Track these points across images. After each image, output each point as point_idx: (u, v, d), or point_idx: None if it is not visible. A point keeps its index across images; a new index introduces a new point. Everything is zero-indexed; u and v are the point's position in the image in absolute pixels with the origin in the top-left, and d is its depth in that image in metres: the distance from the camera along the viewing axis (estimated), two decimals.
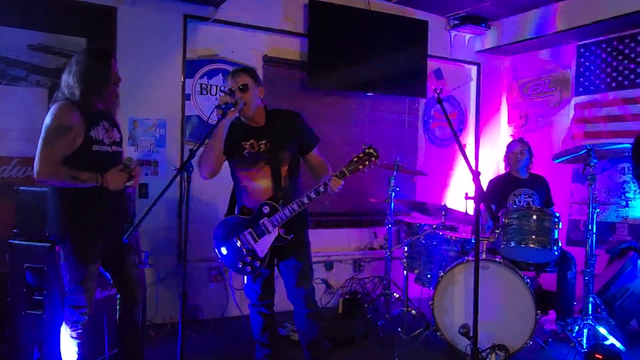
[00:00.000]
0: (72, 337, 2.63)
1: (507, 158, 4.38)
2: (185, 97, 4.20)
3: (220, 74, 4.32)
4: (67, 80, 2.61)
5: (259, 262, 2.72)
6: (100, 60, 2.65)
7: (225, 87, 2.76)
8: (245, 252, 2.73)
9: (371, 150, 2.58)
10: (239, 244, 2.73)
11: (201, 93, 4.27)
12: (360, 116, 4.98)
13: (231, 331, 3.99)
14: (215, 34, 4.31)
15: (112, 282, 2.90)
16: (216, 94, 4.31)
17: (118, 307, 2.91)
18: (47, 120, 2.53)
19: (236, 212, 2.86)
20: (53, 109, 2.55)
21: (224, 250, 2.80)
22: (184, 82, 4.19)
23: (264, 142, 2.72)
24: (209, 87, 4.30)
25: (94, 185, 2.53)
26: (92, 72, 2.60)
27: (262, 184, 2.72)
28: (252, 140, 2.73)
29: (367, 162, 2.58)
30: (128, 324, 2.89)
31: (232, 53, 4.37)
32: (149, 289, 3.87)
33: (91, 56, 2.66)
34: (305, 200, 2.61)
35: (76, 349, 2.64)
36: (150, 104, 4.06)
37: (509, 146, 4.41)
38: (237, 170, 2.79)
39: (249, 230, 2.72)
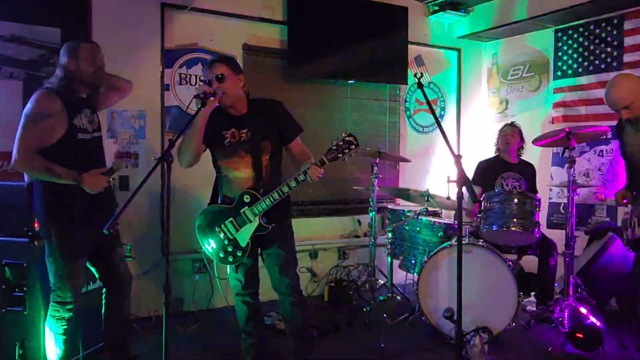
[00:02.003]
0: (57, 333, 2.60)
1: (498, 141, 4.42)
2: (165, 87, 4.14)
3: (200, 63, 4.26)
4: (55, 72, 2.61)
5: (241, 252, 2.71)
6: (71, 49, 2.61)
7: (204, 77, 2.72)
8: (227, 242, 2.71)
9: (351, 138, 2.56)
10: (221, 233, 2.71)
11: (180, 83, 4.21)
12: (342, 104, 4.96)
13: (217, 322, 3.98)
14: (193, 22, 4.24)
15: (98, 277, 2.87)
16: (196, 83, 4.25)
17: (104, 301, 2.89)
18: (27, 107, 2.51)
19: (219, 202, 2.84)
20: (33, 97, 2.53)
21: (206, 240, 2.78)
22: (162, 72, 4.12)
23: (245, 131, 2.69)
24: (188, 76, 4.24)
25: (70, 183, 2.48)
26: (71, 61, 2.57)
27: (243, 173, 2.70)
28: (233, 130, 2.70)
29: (346, 150, 2.55)
30: (116, 319, 2.87)
31: (211, 42, 4.31)
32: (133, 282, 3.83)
33: (65, 47, 2.63)
34: (286, 189, 2.59)
35: (61, 344, 2.61)
36: (128, 95, 3.98)
37: (500, 130, 4.44)
38: (219, 160, 2.77)
39: (230, 219, 2.70)
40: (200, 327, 3.85)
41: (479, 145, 5.59)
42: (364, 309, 3.95)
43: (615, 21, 4.45)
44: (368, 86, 5.07)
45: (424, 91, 2.46)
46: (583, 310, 3.61)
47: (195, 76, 4.26)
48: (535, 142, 3.93)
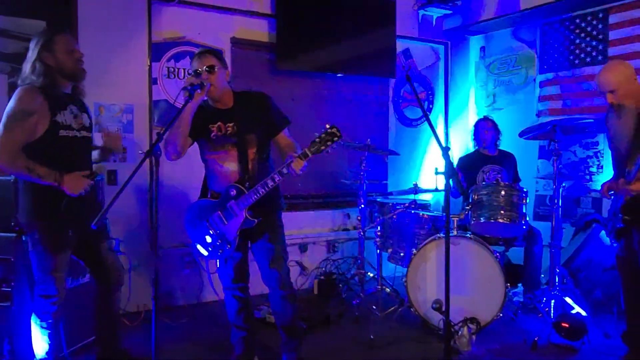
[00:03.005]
0: (42, 327, 2.59)
1: (475, 136, 4.49)
2: (152, 81, 4.11)
3: (188, 57, 4.23)
4: (25, 68, 2.53)
5: (228, 245, 2.72)
6: (46, 41, 2.54)
7: (191, 69, 2.71)
8: (214, 236, 2.72)
9: (334, 130, 2.52)
10: (209, 228, 2.72)
11: (168, 77, 4.19)
12: (330, 97, 4.97)
13: (207, 316, 3.98)
14: (181, 15, 4.21)
15: (89, 270, 2.86)
16: (184, 77, 4.22)
17: (95, 294, 2.88)
18: (9, 105, 2.46)
19: (208, 196, 2.84)
20: (15, 93, 2.48)
21: (195, 234, 2.79)
22: (150, 66, 4.09)
23: (231, 124, 2.68)
24: (176, 70, 4.22)
25: (50, 183, 2.44)
26: (48, 55, 2.52)
27: (229, 166, 2.70)
28: (219, 123, 2.69)
29: (329, 142, 2.52)
30: (107, 311, 2.86)
31: (199, 35, 4.28)
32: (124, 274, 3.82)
33: (38, 40, 2.55)
34: (270, 182, 2.58)
35: (47, 339, 2.60)
36: (115, 88, 3.96)
37: (475, 125, 4.52)
38: (206, 153, 2.77)
39: (218, 213, 2.70)
40: (190, 321, 3.85)
41: (467, 138, 5.62)
42: (354, 302, 3.98)
43: (601, 15, 4.50)
44: (356, 80, 5.07)
45: (412, 84, 2.47)
46: (568, 300, 3.68)
47: (184, 70, 4.23)
48: (522, 135, 3.98)
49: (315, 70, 4.76)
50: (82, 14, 3.79)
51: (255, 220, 2.67)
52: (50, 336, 2.61)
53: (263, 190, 2.59)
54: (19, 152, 2.42)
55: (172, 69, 4.20)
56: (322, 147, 2.53)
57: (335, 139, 2.52)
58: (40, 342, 2.61)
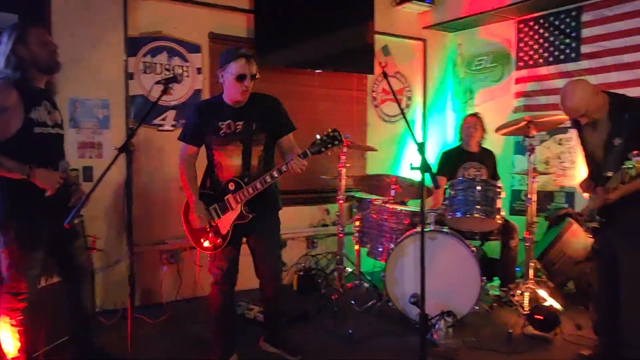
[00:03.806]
0: (12, 325, 2.55)
1: (461, 131, 4.53)
2: (129, 76, 4.06)
3: (165, 52, 4.19)
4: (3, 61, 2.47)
5: (220, 239, 2.75)
6: (20, 34, 2.48)
7: (233, 68, 2.67)
8: (209, 228, 2.75)
9: (336, 134, 2.62)
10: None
11: (145, 72, 4.14)
12: (309, 93, 4.97)
13: (185, 313, 3.96)
14: (157, 10, 4.16)
15: (58, 269, 2.82)
16: (161, 72, 4.18)
17: (65, 294, 2.84)
18: None
19: (207, 187, 2.87)
20: None
21: (189, 226, 2.82)
22: (126, 61, 4.04)
23: (240, 122, 2.75)
24: (153, 65, 4.17)
25: (21, 177, 2.40)
26: (22, 48, 2.46)
27: (234, 161, 2.77)
28: (229, 121, 2.75)
29: (329, 145, 2.62)
30: (77, 310, 2.83)
31: (176, 30, 4.24)
32: (99, 275, 3.78)
33: (11, 33, 2.49)
34: (268, 178, 2.67)
35: (18, 336, 2.56)
36: (91, 83, 3.90)
37: (463, 120, 4.55)
38: (212, 147, 2.80)
39: (214, 206, 2.76)
40: (168, 318, 3.83)
41: (445, 133, 5.70)
42: (333, 297, 4.00)
43: (574, 13, 4.59)
44: (335, 76, 5.08)
45: (389, 80, 2.53)
46: (542, 292, 3.76)
47: (161, 64, 4.19)
48: (498, 130, 4.04)
49: (294, 66, 4.75)
50: (56, 7, 3.73)
51: (250, 216, 2.73)
52: (21, 334, 2.56)
53: (261, 186, 2.67)
54: None
55: (149, 64, 4.15)
56: (323, 149, 2.63)
57: (337, 142, 2.62)
58: (10, 340, 2.56)
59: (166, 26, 4.20)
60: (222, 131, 2.74)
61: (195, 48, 4.34)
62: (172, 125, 4.24)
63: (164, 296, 4.15)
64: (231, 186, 2.73)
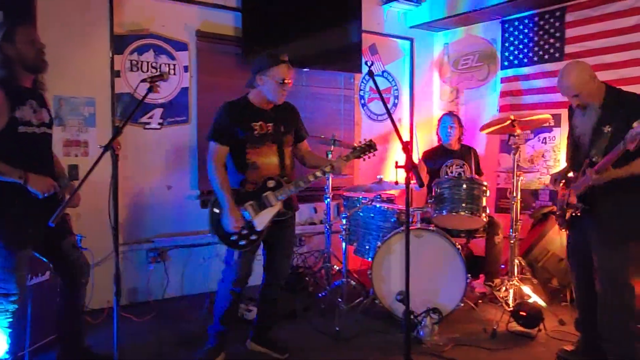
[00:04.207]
0: (2, 326, 2.53)
1: (439, 131, 4.59)
2: (115, 73, 4.03)
3: (152, 50, 4.17)
4: None
5: (255, 236, 2.81)
6: (7, 32, 2.47)
7: (275, 73, 2.81)
8: (245, 229, 2.79)
9: (372, 144, 2.93)
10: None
11: (132, 70, 4.12)
12: (297, 91, 4.96)
13: (172, 312, 3.96)
14: (144, 7, 4.14)
15: (53, 267, 2.81)
16: (148, 70, 4.16)
17: (60, 291, 2.84)
18: None
19: (239, 185, 2.89)
20: None
21: (218, 222, 2.81)
22: (112, 58, 4.01)
23: (270, 124, 2.85)
24: (140, 63, 4.15)
25: (14, 180, 2.39)
26: (9, 46, 2.44)
27: (271, 160, 2.86)
28: (260, 122, 2.84)
29: (367, 152, 2.93)
30: (71, 309, 2.82)
31: (163, 28, 4.22)
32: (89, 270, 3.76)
33: (3, 30, 2.48)
34: (311, 178, 2.82)
35: (7, 338, 2.54)
36: (76, 81, 3.87)
37: (439, 120, 4.63)
38: (247, 147, 2.84)
39: (251, 202, 2.79)
40: (155, 317, 3.82)
41: (432, 132, 5.73)
42: (320, 295, 4.02)
43: (558, 13, 4.64)
44: (323, 74, 5.09)
45: (375, 79, 2.55)
46: (526, 289, 3.81)
47: (147, 62, 4.17)
48: (483, 129, 4.09)
49: None
50: (42, 4, 3.68)
51: (290, 212, 2.85)
52: (11, 335, 2.55)
53: (304, 184, 2.80)
54: None
55: (136, 62, 4.13)
56: (361, 155, 2.94)
57: (373, 150, 2.94)
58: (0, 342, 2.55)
59: (153, 24, 4.18)
60: (256, 132, 2.82)
61: (182, 46, 4.32)
62: (159, 124, 4.23)
63: (150, 295, 4.14)
64: (270, 184, 2.81)
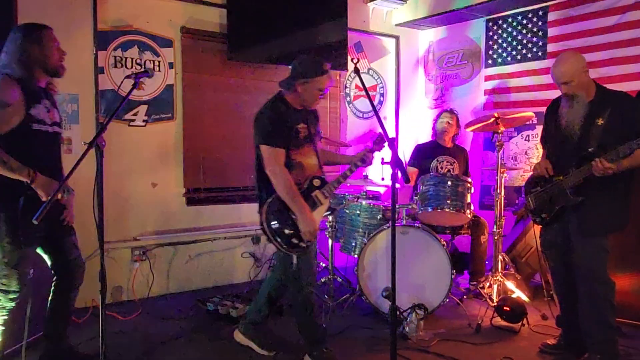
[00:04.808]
0: None
1: (436, 126, 4.61)
2: (99, 70, 3.99)
3: (136, 46, 4.13)
4: (3, 59, 2.52)
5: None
6: (36, 35, 2.56)
7: (318, 82, 2.84)
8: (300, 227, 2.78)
9: (378, 140, 3.07)
10: (294, 219, 2.75)
11: (116, 66, 4.07)
12: None
13: (157, 310, 3.93)
14: (128, 3, 4.10)
15: (50, 264, 2.80)
16: (132, 66, 4.12)
17: (52, 289, 2.82)
18: None
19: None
20: None
21: (278, 226, 2.77)
22: (96, 55, 3.96)
23: (306, 126, 2.92)
24: (124, 59, 4.10)
25: (22, 179, 2.41)
26: (35, 47, 2.53)
27: (313, 160, 2.93)
28: (302, 124, 2.90)
29: (377, 150, 3.07)
30: (62, 307, 2.81)
31: (148, 24, 4.18)
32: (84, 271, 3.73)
33: (27, 32, 2.56)
34: (348, 173, 2.93)
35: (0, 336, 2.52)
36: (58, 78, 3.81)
37: (438, 115, 4.63)
38: (291, 149, 2.84)
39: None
40: (139, 315, 3.79)
41: (417, 130, 5.77)
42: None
43: (540, 12, 4.71)
44: None
45: (361, 77, 2.57)
46: (510, 285, 3.87)
47: (132, 59, 4.13)
48: (467, 126, 4.13)
49: (267, 62, 4.74)
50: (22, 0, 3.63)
51: (337, 209, 2.87)
52: (2, 333, 2.52)
53: (343, 180, 2.92)
54: None
55: (120, 58, 4.08)
56: (377, 150, 3.09)
57: (384, 145, 3.05)
58: None
59: (137, 20, 4.14)
60: (301, 134, 2.87)
61: (167, 42, 4.29)
62: (144, 121, 4.20)
63: (135, 293, 4.11)
64: (316, 182, 2.85)
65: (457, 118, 4.57)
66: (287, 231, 2.75)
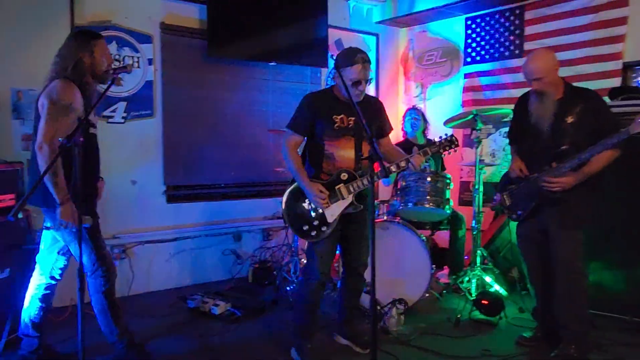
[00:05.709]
0: None
1: (404, 125, 4.67)
2: None
3: (115, 42, 4.08)
4: (60, 63, 2.61)
5: (325, 227, 2.80)
6: (88, 44, 2.64)
7: (352, 73, 2.73)
8: (313, 215, 2.80)
9: (454, 139, 2.84)
10: (307, 206, 2.81)
11: None
12: (263, 86, 4.96)
13: (138, 308, 3.90)
14: None
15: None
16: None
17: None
18: (53, 96, 2.47)
19: (313, 176, 2.89)
20: (56, 86, 2.50)
21: (290, 212, 2.85)
22: None
23: (352, 118, 2.84)
24: None
25: (56, 198, 2.47)
26: (87, 55, 2.61)
27: (348, 153, 2.86)
28: (342, 115, 2.83)
29: (447, 148, 2.85)
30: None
31: (127, 19, 4.14)
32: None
33: (80, 41, 2.65)
34: (382, 172, 2.76)
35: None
36: (35, 73, 3.71)
37: (404, 115, 4.70)
38: (325, 139, 2.85)
39: None
40: None
41: (397, 127, 5.81)
42: (288, 288, 4.04)
43: (517, 11, 4.79)
44: (289, 69, 5.09)
45: (341, 74, 2.58)
46: (488, 279, 3.94)
47: (110, 55, 4.07)
48: (446, 123, 4.18)
49: (247, 59, 4.73)
50: None
51: (361, 206, 2.83)
52: None
53: (377, 179, 2.79)
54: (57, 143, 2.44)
55: None
56: (442, 150, 2.86)
57: (454, 146, 2.86)
58: None
59: (116, 15, 4.09)
60: (336, 125, 2.82)
61: (146, 38, 4.25)
62: (123, 118, 4.15)
63: (115, 292, 4.06)
64: (344, 176, 2.81)
65: (421, 113, 4.65)
66: (300, 217, 2.84)
